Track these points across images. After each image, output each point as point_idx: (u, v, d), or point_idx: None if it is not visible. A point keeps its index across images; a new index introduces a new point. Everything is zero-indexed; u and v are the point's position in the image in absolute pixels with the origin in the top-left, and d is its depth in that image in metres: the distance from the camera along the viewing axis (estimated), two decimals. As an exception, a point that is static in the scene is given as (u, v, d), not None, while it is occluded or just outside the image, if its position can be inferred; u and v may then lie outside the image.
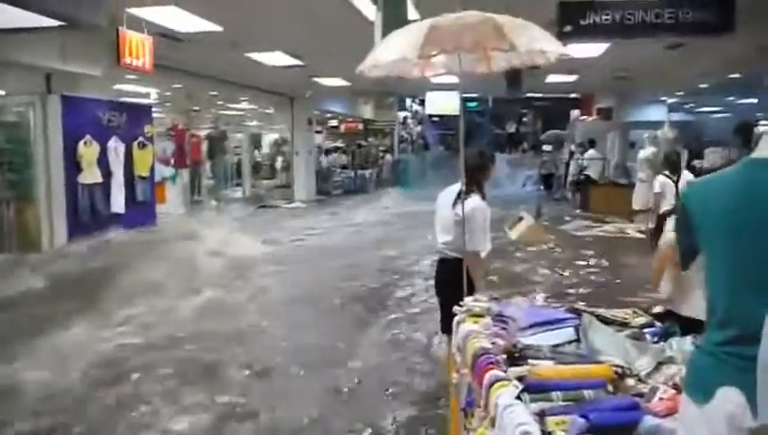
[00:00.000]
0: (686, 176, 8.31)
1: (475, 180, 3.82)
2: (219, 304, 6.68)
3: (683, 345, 2.37)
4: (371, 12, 6.30)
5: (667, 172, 8.30)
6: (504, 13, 3.02)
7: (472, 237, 3.61)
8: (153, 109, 12.68)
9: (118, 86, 12.92)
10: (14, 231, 8.90)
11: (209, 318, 6.18)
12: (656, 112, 18.62)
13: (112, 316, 6.17)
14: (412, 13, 6.81)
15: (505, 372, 2.20)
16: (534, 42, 2.85)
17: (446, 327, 3.75)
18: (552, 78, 14.67)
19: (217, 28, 8.51)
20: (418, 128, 27.98)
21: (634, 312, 2.94)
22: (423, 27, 2.90)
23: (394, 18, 5.63)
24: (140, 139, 10.38)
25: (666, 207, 8.20)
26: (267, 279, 7.90)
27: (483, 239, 3.78)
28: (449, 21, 2.89)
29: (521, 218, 6.67)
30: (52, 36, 7.19)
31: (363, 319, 6.25)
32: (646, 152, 11.21)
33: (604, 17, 6.94)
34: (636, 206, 10.49)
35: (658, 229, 8.72)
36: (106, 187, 9.52)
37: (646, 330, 2.69)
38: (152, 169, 10.88)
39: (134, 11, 7.41)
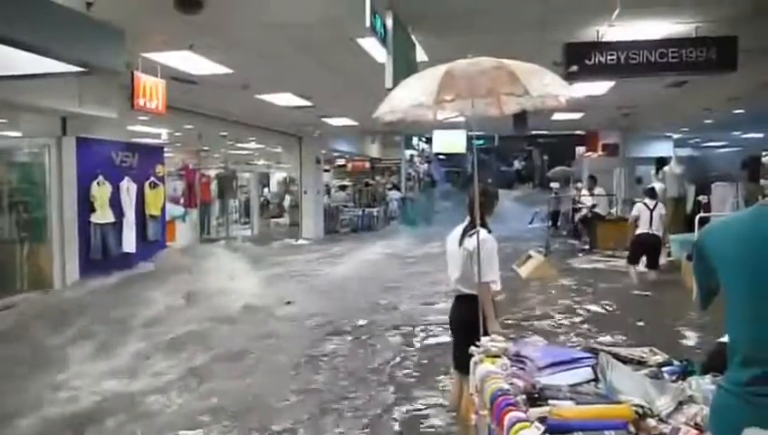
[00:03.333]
0: (661, 208, 9.19)
1: (481, 216, 3.92)
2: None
3: (702, 385, 2.37)
4: (379, 54, 6.43)
5: (645, 201, 9.21)
6: (509, 53, 3.10)
7: (482, 268, 3.68)
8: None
9: (130, 127, 13.10)
10: (27, 270, 8.95)
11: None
12: (661, 148, 18.75)
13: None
14: (421, 55, 6.98)
15: (525, 412, 2.21)
16: (547, 87, 2.91)
17: (459, 364, 3.78)
18: (558, 116, 14.79)
19: (229, 71, 8.70)
20: (425, 166, 28.20)
21: (651, 350, 2.94)
22: (438, 73, 2.96)
23: (403, 61, 5.75)
24: (152, 179, 10.49)
25: (639, 231, 9.03)
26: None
27: (492, 269, 3.86)
28: (463, 67, 2.95)
29: (529, 256, 6.68)
30: (69, 80, 7.31)
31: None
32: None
33: (609, 57, 7.06)
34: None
35: (633, 253, 9.13)
36: (118, 226, 9.56)
37: (664, 369, 2.69)
38: (163, 209, 10.97)
39: (150, 55, 7.60)
